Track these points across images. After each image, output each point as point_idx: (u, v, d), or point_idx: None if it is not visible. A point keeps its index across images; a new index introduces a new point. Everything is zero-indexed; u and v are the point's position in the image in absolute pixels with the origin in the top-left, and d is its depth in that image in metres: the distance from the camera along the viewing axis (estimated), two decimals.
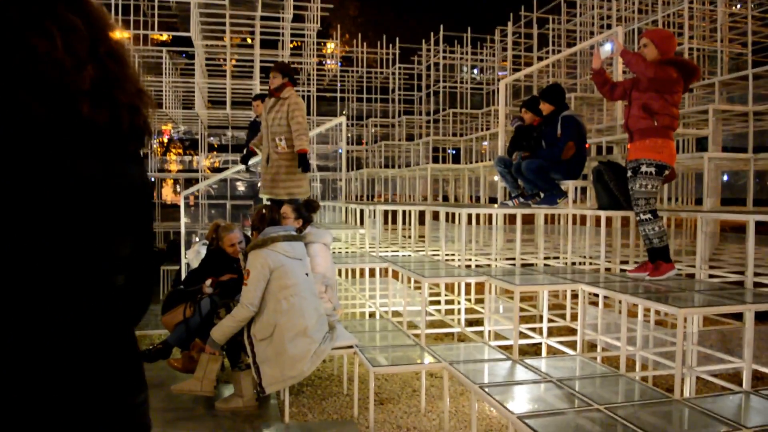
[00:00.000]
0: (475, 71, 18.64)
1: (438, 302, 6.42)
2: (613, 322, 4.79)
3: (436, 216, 8.20)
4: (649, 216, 4.33)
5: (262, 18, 11.49)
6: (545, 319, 4.92)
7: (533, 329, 5.31)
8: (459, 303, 5.51)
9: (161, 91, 11.24)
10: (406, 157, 15.36)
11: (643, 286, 4.17)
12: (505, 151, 7.02)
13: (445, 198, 11.69)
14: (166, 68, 11.23)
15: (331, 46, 19.92)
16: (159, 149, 28.79)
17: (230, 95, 11.90)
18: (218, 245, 5.20)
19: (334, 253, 8.27)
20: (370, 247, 6.94)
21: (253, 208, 6.95)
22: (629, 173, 4.41)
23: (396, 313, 6.09)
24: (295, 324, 4.11)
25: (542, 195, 5.94)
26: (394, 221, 8.94)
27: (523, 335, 5.16)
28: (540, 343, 4.91)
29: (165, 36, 16.03)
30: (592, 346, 4.80)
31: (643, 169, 4.31)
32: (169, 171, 23.29)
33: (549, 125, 5.88)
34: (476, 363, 3.88)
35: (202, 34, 11.52)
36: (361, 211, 7.77)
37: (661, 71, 4.24)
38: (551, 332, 5.27)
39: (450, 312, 6.31)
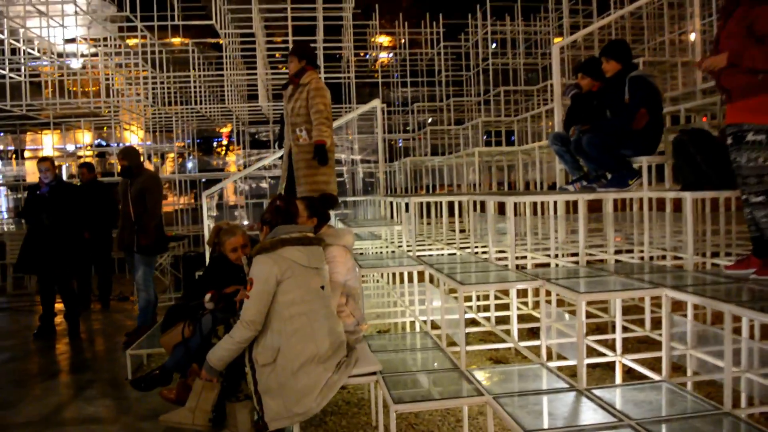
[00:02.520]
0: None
1: (487, 308, 5.63)
2: (708, 334, 3.90)
3: (484, 207, 7.38)
4: (763, 198, 3.44)
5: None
6: (619, 329, 4.07)
7: (603, 342, 4.47)
8: (511, 310, 4.72)
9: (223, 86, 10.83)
10: (456, 143, 14.54)
11: (749, 288, 3.29)
12: (562, 126, 6.15)
13: (506, 185, 10.83)
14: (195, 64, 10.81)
15: (383, 39, 19.33)
16: (220, 150, 29.26)
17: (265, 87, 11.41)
18: (221, 251, 4.59)
19: (369, 253, 7.60)
20: (407, 246, 6.22)
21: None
22: (729, 140, 3.53)
23: (437, 324, 5.34)
24: (304, 349, 3.44)
25: (609, 176, 5.07)
26: (448, 214, 8.17)
27: (590, 350, 4.33)
28: (613, 362, 4.06)
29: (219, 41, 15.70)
30: (678, 366, 3.92)
31: (750, 137, 3.42)
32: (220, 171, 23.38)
33: (614, 90, 5.00)
34: (529, 396, 3.10)
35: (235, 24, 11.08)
36: (398, 205, 7.05)
37: None
38: (627, 345, 4.42)
39: (503, 320, 5.50)
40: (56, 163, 7.53)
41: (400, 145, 18.50)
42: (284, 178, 5.83)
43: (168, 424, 3.83)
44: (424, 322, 5.15)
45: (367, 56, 17.37)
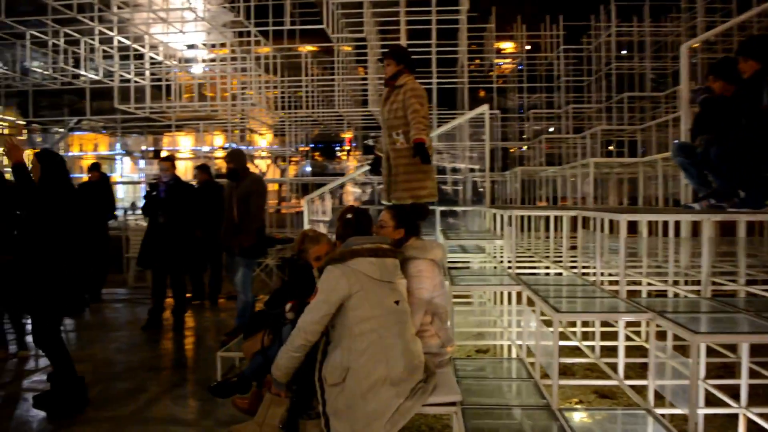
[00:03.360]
0: None
1: (593, 336, 5.12)
2: None
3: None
4: None
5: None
6: (745, 375, 3.50)
7: (724, 388, 3.87)
8: (618, 342, 4.21)
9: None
10: (573, 152, 13.78)
11: None
12: (688, 136, 5.50)
13: (634, 201, 10.07)
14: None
15: (507, 45, 18.88)
16: (342, 155, 30.09)
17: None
18: (305, 259, 4.45)
19: (468, 267, 7.25)
20: (509, 263, 5.82)
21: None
22: None
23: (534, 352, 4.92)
24: (375, 369, 3.21)
25: (742, 194, 4.44)
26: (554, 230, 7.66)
27: (710, 398, 3.76)
28: (736, 415, 3.48)
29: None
30: None
31: None
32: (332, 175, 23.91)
33: (751, 94, 4.35)
34: None
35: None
36: (501, 218, 6.65)
37: None
38: (754, 395, 3.79)
39: (609, 351, 4.97)
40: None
41: (522, 151, 17.87)
42: (386, 186, 5.65)
43: None
44: (521, 347, 4.75)
45: (484, 62, 16.96)
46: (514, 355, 4.86)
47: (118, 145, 24.88)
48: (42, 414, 4.72)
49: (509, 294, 5.12)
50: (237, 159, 7.13)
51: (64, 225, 4.76)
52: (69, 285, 4.74)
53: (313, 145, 19.00)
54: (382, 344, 3.26)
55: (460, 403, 3.31)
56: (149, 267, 8.08)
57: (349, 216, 3.75)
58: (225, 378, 4.39)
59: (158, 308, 7.63)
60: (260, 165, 20.88)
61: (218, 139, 19.00)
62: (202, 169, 9.47)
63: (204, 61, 12.45)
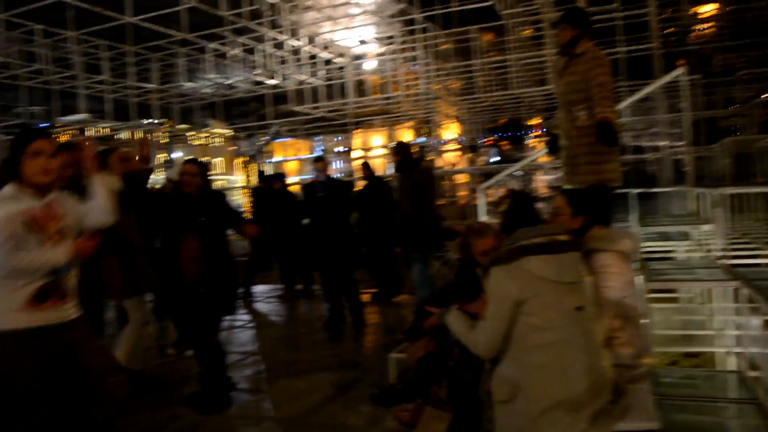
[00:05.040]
0: None
1: None
2: None
3: None
4: None
5: None
6: None
7: None
8: None
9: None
10: None
11: None
12: None
13: None
14: None
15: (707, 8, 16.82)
16: (532, 142, 29.24)
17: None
18: (471, 255, 4.03)
19: (671, 258, 6.30)
20: (721, 252, 4.90)
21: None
22: None
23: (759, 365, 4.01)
24: (550, 390, 2.71)
25: None
26: None
27: None
28: None
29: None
30: None
31: None
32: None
33: None
34: None
35: None
36: (707, 198, 5.67)
37: None
38: None
39: None
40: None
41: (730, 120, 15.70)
42: (566, 168, 5.04)
43: None
44: (740, 356, 3.90)
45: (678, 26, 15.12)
46: (730, 367, 3.99)
47: (318, 148, 26.13)
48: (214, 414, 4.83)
49: (723, 290, 4.25)
50: (403, 151, 6.97)
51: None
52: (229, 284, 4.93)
53: (499, 134, 18.44)
54: (561, 360, 2.74)
55: None
56: (314, 268, 8.19)
57: (510, 204, 3.25)
58: (391, 384, 4.13)
59: (336, 306, 7.63)
60: (448, 157, 20.77)
61: (407, 135, 19.17)
62: (366, 166, 9.57)
63: (375, 55, 12.52)
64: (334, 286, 7.49)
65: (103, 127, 12.61)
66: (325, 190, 7.43)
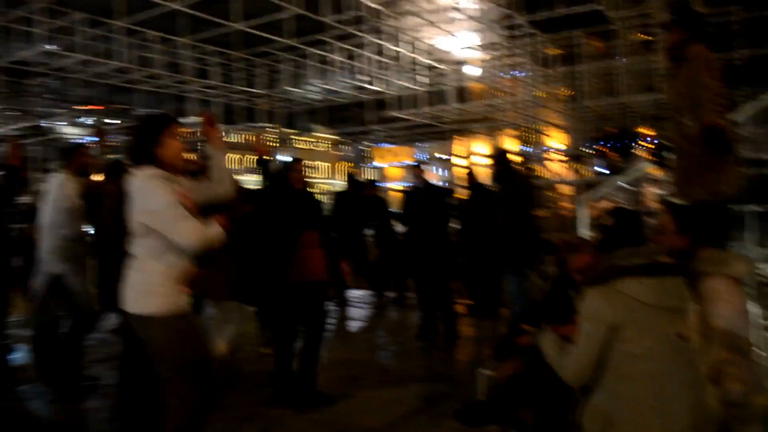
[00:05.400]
0: None
1: None
2: None
3: None
4: None
5: None
6: None
7: None
8: None
9: None
10: None
11: None
12: None
13: None
14: None
15: None
16: (641, 153, 27.90)
17: None
18: (566, 272, 3.83)
19: None
20: None
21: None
22: None
23: None
24: (647, 426, 2.53)
25: None
26: None
27: None
28: None
29: None
30: None
31: None
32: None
33: None
34: None
35: None
36: None
37: None
38: None
39: None
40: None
41: None
42: (675, 181, 4.70)
43: None
44: None
45: None
46: None
47: (420, 155, 26.15)
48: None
49: None
50: (501, 160, 6.79)
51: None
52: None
53: (607, 144, 17.69)
54: (659, 393, 2.53)
55: None
56: (409, 276, 8.10)
57: (609, 219, 3.03)
58: (478, 402, 3.98)
59: (429, 316, 7.50)
60: (552, 167, 20.18)
61: (510, 143, 18.83)
62: (469, 175, 9.28)
63: (477, 61, 12.35)
64: (428, 296, 7.38)
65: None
66: (423, 196, 7.35)
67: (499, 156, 7.02)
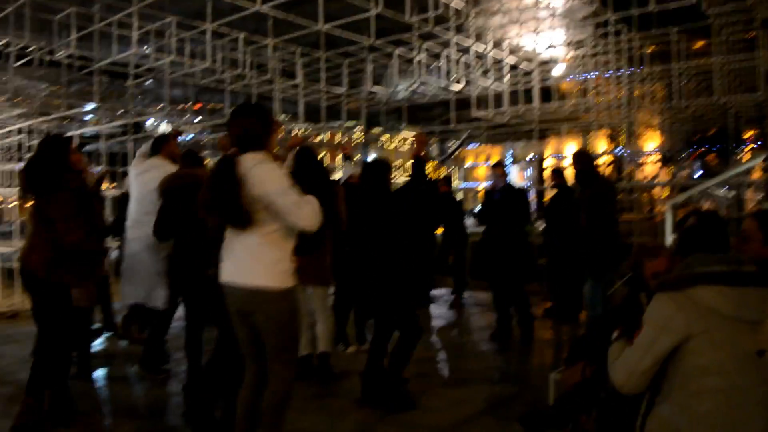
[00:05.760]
0: None
1: None
2: None
3: None
4: None
5: None
6: None
7: None
8: None
9: None
10: None
11: None
12: None
13: None
14: None
15: None
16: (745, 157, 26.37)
17: None
18: (642, 277, 3.67)
19: None
20: None
21: None
22: None
23: None
24: None
25: None
26: None
27: None
28: None
29: None
30: None
31: None
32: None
33: None
34: None
35: None
36: None
37: None
38: None
39: None
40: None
41: None
42: None
43: None
44: None
45: None
46: None
47: (508, 154, 25.73)
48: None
49: None
50: (583, 161, 6.61)
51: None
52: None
53: (705, 146, 16.85)
54: (733, 411, 2.39)
55: None
56: (480, 278, 7.96)
57: (691, 221, 2.87)
58: (542, 407, 3.90)
59: (503, 318, 7.37)
60: (646, 169, 19.41)
61: (601, 144, 18.23)
62: (556, 174, 8.99)
63: (564, 60, 12.02)
64: (503, 297, 7.26)
65: (298, 129, 13.65)
66: (502, 196, 7.23)
67: (581, 156, 6.83)
